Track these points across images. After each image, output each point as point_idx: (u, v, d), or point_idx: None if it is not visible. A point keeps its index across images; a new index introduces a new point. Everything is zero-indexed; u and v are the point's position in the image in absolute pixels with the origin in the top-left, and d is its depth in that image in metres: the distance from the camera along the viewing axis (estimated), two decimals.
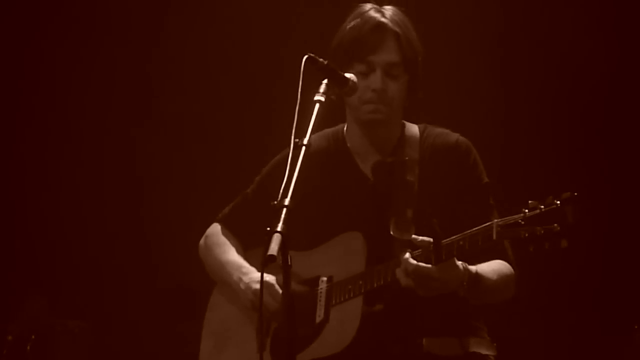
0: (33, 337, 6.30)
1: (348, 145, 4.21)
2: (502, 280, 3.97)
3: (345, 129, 4.24)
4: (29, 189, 6.92)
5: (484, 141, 4.23)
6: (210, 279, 4.42)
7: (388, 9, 4.13)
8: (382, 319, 3.96)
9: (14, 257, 6.83)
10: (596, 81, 6.22)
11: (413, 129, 4.20)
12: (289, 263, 3.39)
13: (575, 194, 3.50)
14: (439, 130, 4.19)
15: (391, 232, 3.99)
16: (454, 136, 4.16)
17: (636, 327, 5.93)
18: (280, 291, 4.04)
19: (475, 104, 6.20)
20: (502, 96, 6.29)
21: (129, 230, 6.82)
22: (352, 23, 4.11)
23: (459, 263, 3.76)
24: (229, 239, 4.38)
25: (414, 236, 3.82)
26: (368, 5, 4.14)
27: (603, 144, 6.27)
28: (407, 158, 4.10)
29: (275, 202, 3.42)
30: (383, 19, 4.08)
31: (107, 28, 6.78)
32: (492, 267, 3.93)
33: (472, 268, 3.81)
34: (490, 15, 6.27)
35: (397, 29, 4.06)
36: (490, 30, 6.29)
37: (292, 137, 3.57)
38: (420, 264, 3.73)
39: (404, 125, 4.20)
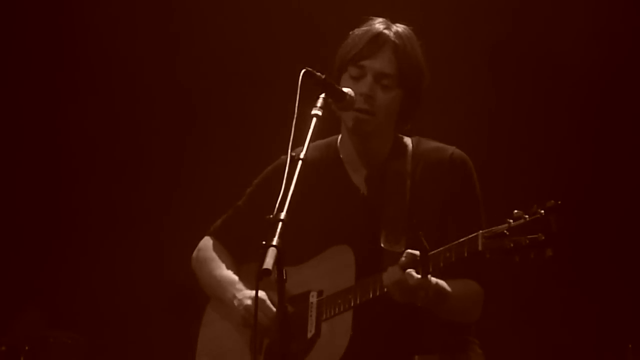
0: (27, 348, 6.28)
1: (341, 156, 4.22)
2: (465, 299, 3.96)
3: (339, 140, 4.25)
4: (22, 201, 6.91)
5: (468, 150, 4.21)
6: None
7: (398, 25, 4.13)
8: (374, 334, 3.96)
9: (8, 269, 6.82)
10: (581, 92, 6.25)
11: (406, 141, 4.20)
12: (284, 277, 3.40)
13: (559, 202, 3.50)
14: (433, 144, 4.19)
15: (382, 245, 4.00)
16: (449, 151, 4.14)
17: (630, 346, 5.92)
18: (272, 307, 4.05)
19: (460, 111, 6.20)
20: (488, 103, 6.29)
21: (124, 242, 6.81)
22: (357, 31, 4.14)
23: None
24: (221, 254, 4.38)
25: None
26: (379, 19, 4.16)
27: (589, 152, 6.28)
28: (399, 170, 4.10)
29: (271, 216, 3.43)
30: (386, 31, 4.09)
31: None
32: (458, 284, 3.91)
33: (433, 279, 3.79)
34: (478, 34, 6.29)
35: (397, 41, 4.06)
36: (477, 46, 6.31)
37: (289, 150, 3.58)
38: (407, 272, 3.71)
39: (396, 138, 4.19)
